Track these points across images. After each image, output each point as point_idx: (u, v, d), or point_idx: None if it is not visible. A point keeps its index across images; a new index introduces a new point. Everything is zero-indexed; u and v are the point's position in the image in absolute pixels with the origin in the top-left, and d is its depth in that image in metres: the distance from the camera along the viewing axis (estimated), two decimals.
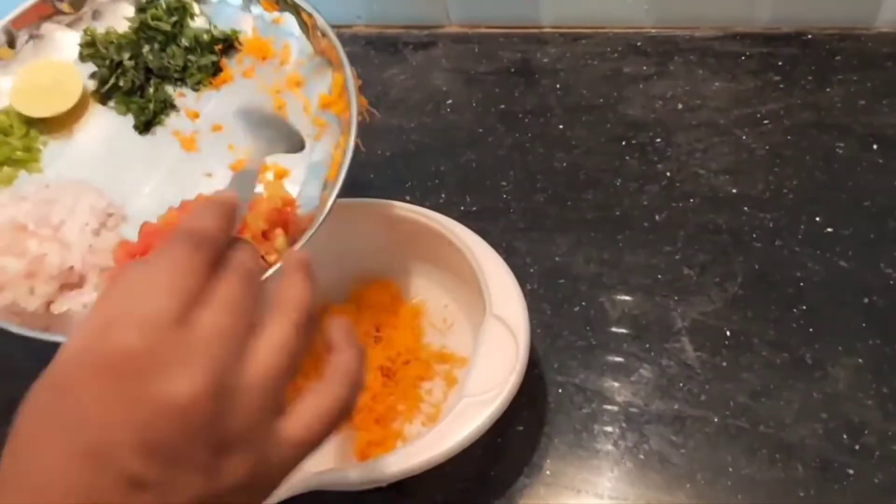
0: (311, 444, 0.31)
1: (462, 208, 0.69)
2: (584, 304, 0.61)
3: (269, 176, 0.58)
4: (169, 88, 0.62)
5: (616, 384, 0.57)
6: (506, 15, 0.82)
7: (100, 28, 0.63)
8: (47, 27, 0.62)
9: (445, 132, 0.75)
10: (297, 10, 0.60)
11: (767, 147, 0.68)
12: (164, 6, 0.62)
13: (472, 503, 0.54)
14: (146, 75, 0.62)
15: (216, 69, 0.62)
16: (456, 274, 0.58)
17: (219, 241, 0.31)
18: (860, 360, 0.55)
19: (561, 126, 0.73)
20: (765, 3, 0.75)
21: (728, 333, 0.58)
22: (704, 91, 0.73)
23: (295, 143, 0.52)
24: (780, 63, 0.73)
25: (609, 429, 0.55)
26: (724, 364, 0.57)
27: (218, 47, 0.62)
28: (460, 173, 0.72)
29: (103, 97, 0.62)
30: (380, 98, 0.79)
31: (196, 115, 0.61)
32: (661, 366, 0.57)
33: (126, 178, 0.59)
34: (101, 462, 0.26)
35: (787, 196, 0.65)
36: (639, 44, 0.78)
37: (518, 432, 0.56)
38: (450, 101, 0.78)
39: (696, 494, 0.52)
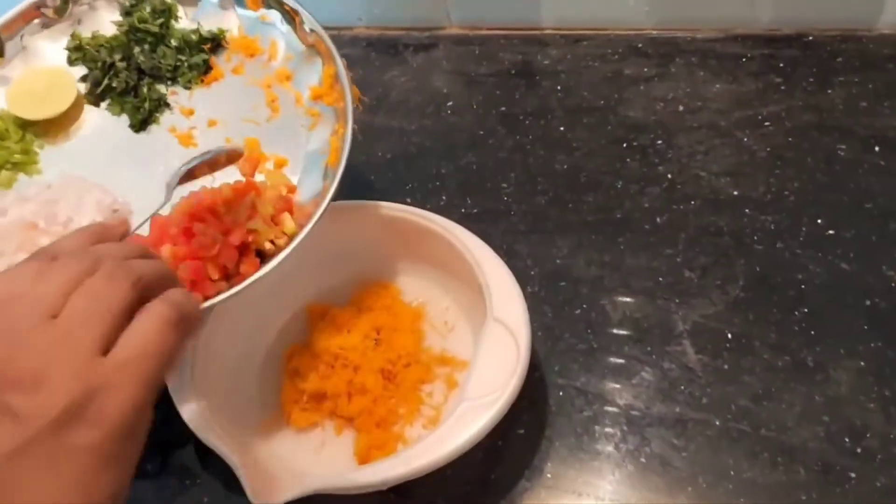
0: (141, 359, 0.34)
1: (463, 210, 0.69)
2: (585, 306, 0.61)
3: (269, 165, 0.59)
4: (161, 88, 0.63)
5: (617, 387, 0.57)
6: (506, 16, 0.82)
7: (85, 32, 0.64)
8: (32, 33, 0.63)
9: (446, 134, 0.75)
10: (281, 7, 0.62)
11: (769, 149, 0.68)
12: (148, 9, 0.64)
13: None
14: (138, 76, 0.63)
15: (206, 67, 0.64)
16: (457, 276, 0.58)
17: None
18: (862, 363, 0.55)
19: (562, 128, 0.73)
20: (766, 5, 0.75)
21: (729, 336, 0.58)
22: (705, 93, 0.73)
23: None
24: (781, 65, 0.73)
25: (610, 432, 0.55)
26: (726, 367, 0.57)
27: (206, 46, 0.64)
28: (461, 175, 0.72)
29: (97, 99, 0.63)
30: (380, 100, 0.79)
31: (191, 112, 0.62)
32: (663, 369, 0.57)
33: (127, 175, 0.60)
34: None
35: (788, 198, 0.65)
36: (640, 45, 0.78)
37: (519, 435, 0.56)
38: (450, 103, 0.78)
39: (698, 498, 0.52)
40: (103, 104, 0.63)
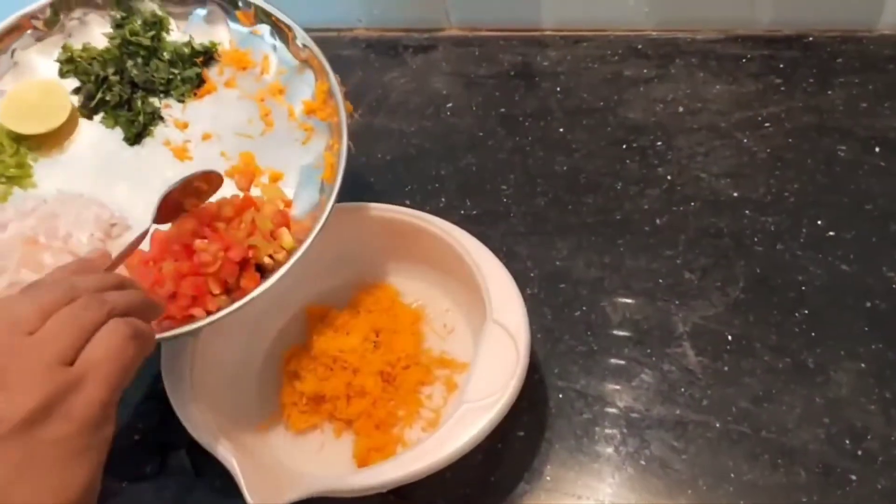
0: (104, 363, 0.37)
1: (462, 212, 0.69)
2: (584, 308, 0.61)
3: (265, 179, 0.59)
4: (154, 101, 0.64)
5: (617, 389, 0.57)
6: (506, 17, 0.82)
7: (76, 45, 0.64)
8: (24, 47, 0.63)
9: (445, 136, 0.75)
10: (274, 23, 0.62)
11: (769, 150, 0.68)
12: (139, 21, 0.64)
13: None
14: (131, 89, 0.63)
15: (200, 81, 0.64)
16: (456, 278, 0.58)
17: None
18: (862, 365, 0.55)
19: (561, 129, 0.73)
20: (766, 6, 0.74)
21: (729, 338, 0.58)
22: (705, 94, 0.73)
23: None
24: (781, 66, 0.73)
25: (610, 434, 0.55)
26: (726, 369, 0.56)
27: (199, 59, 0.64)
28: (460, 177, 0.72)
29: (90, 112, 0.63)
30: (380, 101, 0.79)
31: (185, 126, 0.63)
32: (663, 370, 0.57)
33: (123, 189, 0.60)
34: None
35: (788, 199, 0.65)
36: (639, 46, 0.78)
37: (519, 438, 0.56)
38: (450, 105, 0.77)
39: (698, 500, 0.51)
40: (97, 117, 0.63)
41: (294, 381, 0.58)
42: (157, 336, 0.50)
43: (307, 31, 0.61)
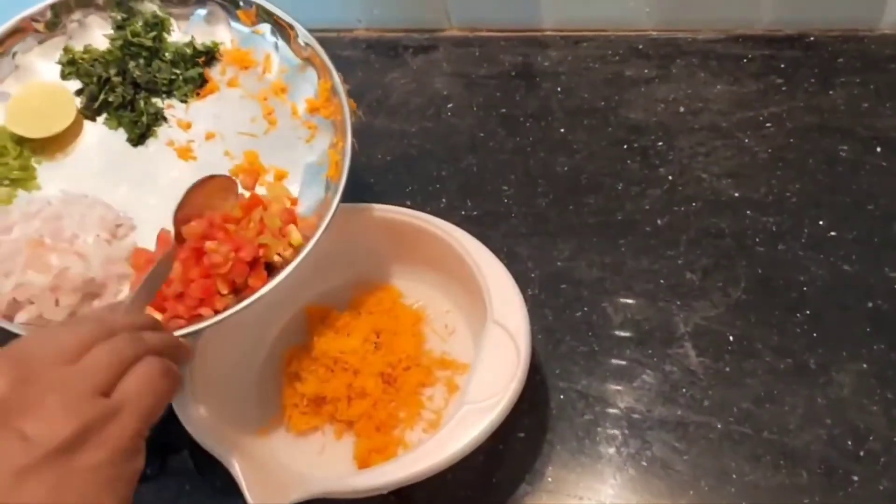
0: (139, 396, 0.39)
1: (463, 213, 0.69)
2: (586, 309, 0.61)
3: (269, 178, 0.60)
4: (157, 101, 0.64)
5: (618, 390, 0.57)
6: (507, 18, 0.82)
7: (77, 46, 0.64)
8: (25, 50, 0.63)
9: (446, 136, 0.75)
10: (275, 22, 0.62)
11: (770, 150, 0.68)
12: (140, 22, 0.64)
13: None
14: (134, 90, 0.63)
15: (202, 81, 0.64)
16: (457, 279, 0.58)
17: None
18: (864, 366, 0.55)
19: (562, 130, 0.73)
20: (767, 5, 0.74)
21: (731, 339, 0.58)
22: (706, 94, 0.73)
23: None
24: (782, 65, 0.73)
25: (611, 435, 0.55)
26: (728, 369, 0.56)
27: (201, 59, 0.64)
28: (461, 178, 0.71)
29: (93, 113, 0.63)
30: (380, 102, 0.79)
31: (188, 126, 0.63)
32: (664, 371, 0.57)
33: (127, 189, 0.60)
34: None
35: (789, 199, 0.64)
36: (640, 46, 0.78)
37: (520, 439, 0.56)
38: (450, 105, 0.77)
39: (700, 501, 0.51)
40: (100, 119, 0.63)
41: (295, 383, 0.58)
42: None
43: (307, 31, 0.61)
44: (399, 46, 0.84)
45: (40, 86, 0.63)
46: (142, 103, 0.63)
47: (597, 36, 0.80)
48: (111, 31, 0.64)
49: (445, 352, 0.59)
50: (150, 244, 0.57)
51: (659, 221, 0.65)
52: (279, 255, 0.54)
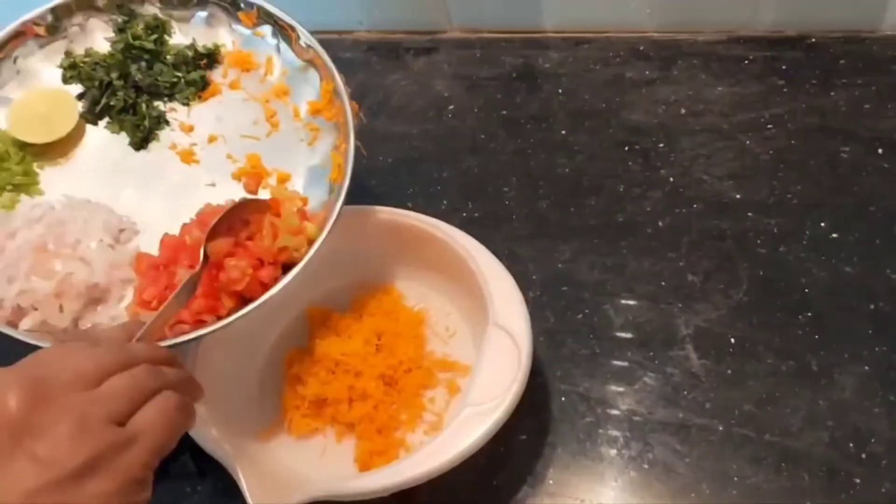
0: (153, 429, 0.39)
1: (464, 215, 0.69)
2: (587, 311, 0.61)
3: (272, 181, 0.60)
4: (159, 105, 0.64)
5: (620, 392, 0.57)
6: (508, 19, 0.82)
7: (78, 50, 0.64)
8: (26, 55, 0.63)
9: (447, 138, 0.75)
10: (277, 24, 0.62)
11: (771, 152, 0.67)
12: (141, 25, 0.64)
13: None
14: (136, 93, 0.63)
15: (204, 84, 0.64)
16: (458, 281, 0.58)
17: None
18: (866, 368, 0.55)
19: (563, 131, 0.73)
20: (768, 6, 0.74)
21: (733, 341, 0.58)
22: (708, 95, 0.73)
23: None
24: (783, 67, 0.73)
25: (613, 437, 0.55)
26: (729, 372, 0.56)
27: (202, 62, 0.64)
28: (462, 179, 0.71)
29: (95, 117, 0.63)
30: (381, 104, 0.79)
31: (191, 129, 0.63)
32: (666, 373, 0.57)
33: (130, 194, 0.60)
34: None
35: (791, 201, 0.64)
36: (641, 48, 0.78)
37: (521, 441, 0.56)
38: (452, 107, 0.77)
39: None
40: (102, 123, 0.63)
41: (296, 385, 0.58)
42: (172, 341, 0.50)
43: (308, 32, 0.61)
44: (400, 48, 0.84)
45: (42, 90, 0.63)
46: (144, 107, 0.62)
47: (598, 37, 0.80)
48: (112, 35, 0.64)
49: (447, 354, 0.59)
50: (153, 249, 0.56)
51: (660, 223, 0.65)
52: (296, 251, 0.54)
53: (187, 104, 0.63)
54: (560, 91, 0.76)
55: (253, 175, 0.59)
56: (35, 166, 0.61)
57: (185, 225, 0.55)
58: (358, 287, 0.63)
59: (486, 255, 0.56)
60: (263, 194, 0.59)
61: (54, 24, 0.63)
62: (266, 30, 0.63)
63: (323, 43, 0.60)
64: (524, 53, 0.80)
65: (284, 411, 0.58)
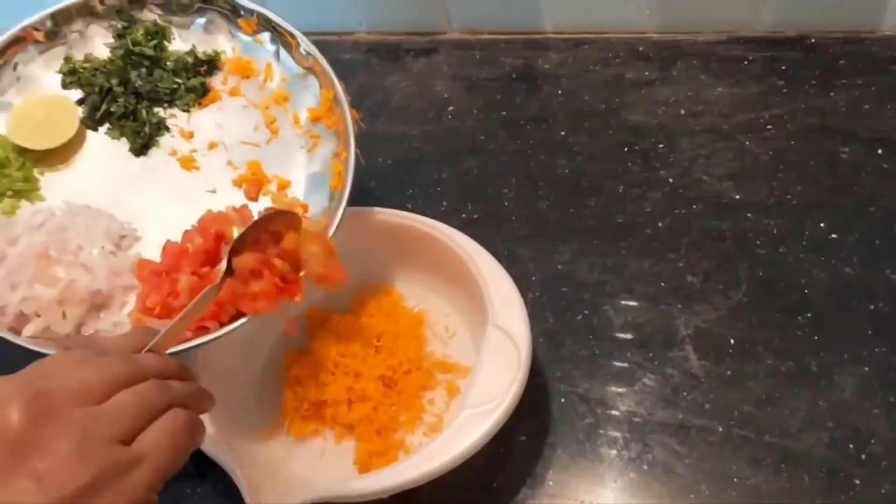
0: (160, 450, 0.38)
1: (464, 216, 0.69)
2: (587, 312, 0.61)
3: (272, 188, 0.60)
4: (160, 111, 0.63)
5: (619, 393, 0.57)
6: (507, 20, 0.82)
7: (78, 55, 0.64)
8: (27, 61, 0.63)
9: (447, 139, 0.75)
10: (276, 31, 0.62)
11: (771, 152, 0.67)
12: (141, 31, 0.63)
13: None
14: (136, 100, 0.63)
15: (204, 90, 0.64)
16: (458, 282, 0.58)
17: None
18: (866, 368, 0.55)
19: (563, 132, 0.73)
20: (768, 7, 0.74)
21: (732, 341, 0.58)
22: (707, 96, 0.73)
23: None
24: (783, 67, 0.73)
25: (612, 438, 0.55)
26: (729, 372, 0.56)
27: (202, 69, 0.64)
28: (462, 180, 0.71)
29: (95, 123, 0.63)
30: (381, 105, 0.79)
31: (191, 135, 0.63)
32: (665, 374, 0.57)
33: (130, 200, 0.60)
34: None
35: (791, 202, 0.64)
36: (641, 49, 0.78)
37: (521, 442, 0.56)
38: (451, 108, 0.77)
39: None
40: (102, 129, 0.63)
41: (295, 387, 0.58)
42: (175, 348, 0.49)
43: (307, 35, 0.61)
44: (400, 49, 0.84)
45: (42, 96, 0.62)
46: (144, 113, 0.62)
47: (597, 38, 0.80)
48: (112, 41, 0.64)
49: (446, 355, 0.59)
50: (154, 255, 0.56)
51: (660, 224, 0.65)
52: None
53: (187, 110, 0.63)
54: (560, 92, 0.76)
55: (253, 182, 0.59)
56: (35, 172, 0.61)
57: (186, 232, 0.55)
58: (357, 288, 0.63)
59: (486, 257, 0.56)
60: (264, 201, 0.59)
61: (54, 30, 0.63)
62: (266, 36, 0.63)
63: (323, 44, 0.61)
64: (524, 54, 0.80)
65: (284, 412, 0.58)
